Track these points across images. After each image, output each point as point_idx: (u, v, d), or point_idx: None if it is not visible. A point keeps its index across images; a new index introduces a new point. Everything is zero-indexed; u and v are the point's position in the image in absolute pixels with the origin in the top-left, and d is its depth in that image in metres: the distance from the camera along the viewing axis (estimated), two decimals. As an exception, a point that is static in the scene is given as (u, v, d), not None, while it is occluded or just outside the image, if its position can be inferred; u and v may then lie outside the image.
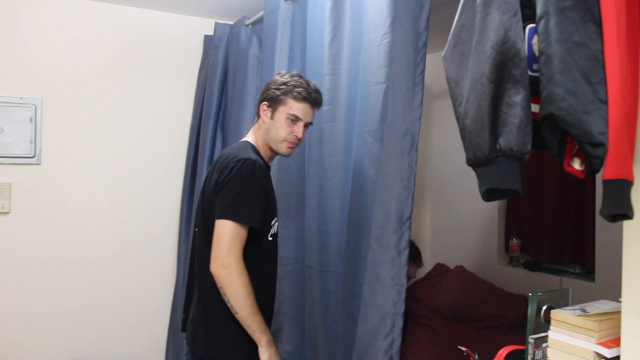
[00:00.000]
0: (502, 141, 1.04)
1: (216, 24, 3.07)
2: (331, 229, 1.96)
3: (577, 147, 0.99)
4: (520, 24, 1.05)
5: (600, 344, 1.13)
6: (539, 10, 1.00)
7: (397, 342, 1.63)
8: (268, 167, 1.80)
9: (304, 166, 2.14)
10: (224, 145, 2.86)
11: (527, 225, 3.14)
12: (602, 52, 0.95)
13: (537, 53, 1.04)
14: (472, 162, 1.09)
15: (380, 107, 1.72)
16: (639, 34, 0.97)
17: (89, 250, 2.89)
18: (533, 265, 3.06)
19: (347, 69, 1.93)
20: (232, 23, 3.01)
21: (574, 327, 1.18)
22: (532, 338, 1.29)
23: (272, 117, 1.74)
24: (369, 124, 1.78)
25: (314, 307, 2.03)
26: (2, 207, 2.70)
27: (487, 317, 2.77)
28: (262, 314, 1.67)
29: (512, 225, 3.23)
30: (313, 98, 1.73)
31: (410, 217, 1.65)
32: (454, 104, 1.15)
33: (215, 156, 2.59)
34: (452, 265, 3.34)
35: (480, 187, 1.09)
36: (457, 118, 1.13)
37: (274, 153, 1.79)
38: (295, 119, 1.72)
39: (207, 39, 3.15)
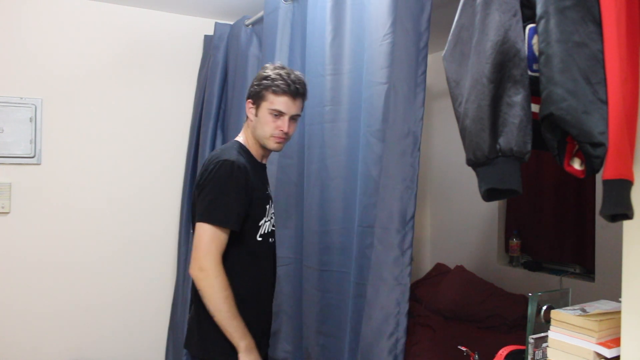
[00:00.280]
0: (502, 141, 1.04)
1: (216, 24, 3.07)
2: (333, 229, 1.96)
3: (577, 147, 0.99)
4: (520, 24, 1.05)
5: (600, 344, 1.13)
6: (539, 10, 1.00)
7: (402, 342, 1.63)
8: (262, 165, 1.78)
9: (304, 166, 2.14)
10: (224, 145, 2.86)
11: (527, 225, 3.14)
12: (602, 52, 0.95)
13: (537, 53, 1.04)
14: (472, 162, 1.09)
15: (382, 107, 1.72)
16: (639, 34, 0.97)
17: (89, 250, 2.90)
18: (533, 265, 3.06)
19: (349, 69, 1.93)
20: (232, 23, 3.01)
21: (574, 327, 1.18)
22: (532, 338, 1.29)
23: (256, 114, 1.70)
24: (371, 124, 1.78)
25: (312, 307, 2.03)
26: (2, 207, 2.70)
27: (487, 317, 2.77)
28: (257, 315, 1.68)
29: (512, 225, 3.23)
30: (293, 90, 1.67)
31: (413, 217, 1.66)
32: (454, 104, 1.15)
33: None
34: (452, 265, 3.34)
35: (480, 187, 1.09)
36: (457, 118, 1.13)
37: (266, 150, 1.76)
38: (278, 114, 1.68)
39: (207, 39, 3.15)
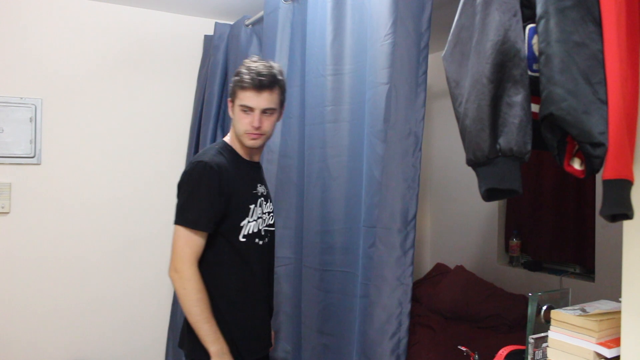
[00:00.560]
0: (502, 141, 1.04)
1: (216, 24, 3.07)
2: (335, 229, 1.96)
3: (577, 147, 0.99)
4: (520, 24, 1.05)
5: (600, 344, 1.13)
6: (539, 10, 1.00)
7: (404, 342, 1.64)
8: (251, 164, 1.76)
9: (304, 166, 2.14)
10: (224, 145, 2.86)
11: (527, 225, 3.14)
12: (602, 52, 0.95)
13: (537, 53, 1.04)
14: (472, 162, 1.09)
15: (383, 108, 1.72)
16: (639, 34, 0.97)
17: (89, 250, 2.89)
18: (533, 265, 3.06)
19: (350, 69, 1.93)
20: (232, 23, 3.01)
21: (574, 327, 1.18)
22: (532, 338, 1.29)
23: (233, 112, 1.69)
24: (373, 124, 1.78)
25: (313, 306, 2.03)
26: (2, 207, 2.70)
27: (487, 317, 2.76)
28: (249, 315, 1.66)
29: (512, 225, 3.22)
30: (257, 83, 1.61)
31: (415, 217, 1.66)
32: (454, 104, 1.15)
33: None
34: (452, 265, 3.33)
35: (480, 187, 1.09)
36: (457, 118, 1.13)
37: (252, 148, 1.72)
38: (247, 109, 1.64)
39: (207, 39, 3.15)
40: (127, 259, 2.99)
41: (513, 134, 1.03)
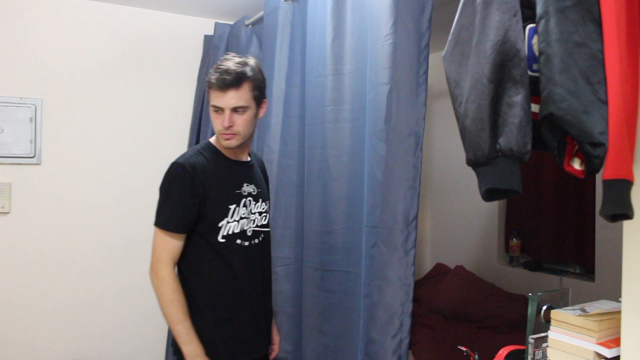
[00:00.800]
0: (502, 141, 1.04)
1: (216, 24, 3.07)
2: (336, 229, 1.95)
3: (577, 147, 0.99)
4: (520, 24, 1.05)
5: (600, 344, 1.13)
6: (539, 10, 1.00)
7: (406, 342, 1.64)
8: (238, 163, 1.73)
9: (304, 166, 2.14)
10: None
11: (527, 225, 3.14)
12: (602, 52, 0.95)
13: (537, 53, 1.04)
14: (472, 162, 1.09)
15: (384, 108, 1.72)
16: (639, 34, 0.97)
17: (89, 249, 2.89)
18: (533, 265, 3.06)
19: (350, 69, 1.93)
20: (232, 23, 3.01)
21: (574, 327, 1.18)
22: (532, 338, 1.29)
23: (210, 113, 1.67)
24: (374, 124, 1.78)
25: (314, 307, 2.03)
26: (2, 207, 2.70)
27: (487, 317, 2.77)
28: (236, 316, 1.64)
29: (512, 225, 3.23)
30: (220, 82, 1.57)
31: (416, 217, 1.66)
32: (454, 104, 1.15)
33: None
34: (452, 265, 3.34)
35: (480, 187, 1.09)
36: (457, 118, 1.13)
37: (235, 147, 1.69)
38: (218, 109, 1.61)
39: (207, 39, 3.15)
40: (127, 259, 2.99)
41: (513, 134, 1.03)
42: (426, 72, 1.67)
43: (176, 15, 3.12)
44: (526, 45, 1.06)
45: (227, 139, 1.64)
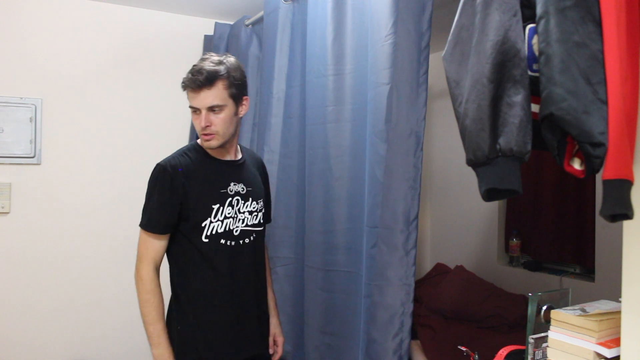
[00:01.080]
0: (502, 141, 1.04)
1: (216, 24, 3.07)
2: (338, 229, 1.95)
3: (577, 147, 0.99)
4: (520, 24, 1.05)
5: (600, 344, 1.13)
6: (539, 10, 1.00)
7: (406, 342, 1.64)
8: (226, 163, 1.72)
9: (305, 166, 2.14)
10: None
11: (527, 225, 3.14)
12: (602, 52, 0.95)
13: (537, 53, 1.04)
14: (472, 162, 1.09)
15: (384, 108, 1.72)
16: (639, 34, 0.97)
17: (89, 249, 2.89)
18: (533, 265, 3.06)
19: (351, 69, 1.93)
20: (232, 23, 3.01)
21: (574, 327, 1.18)
22: (532, 338, 1.29)
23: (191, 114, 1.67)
24: (374, 124, 1.78)
25: (316, 306, 2.03)
26: (2, 207, 2.70)
27: (487, 317, 2.76)
28: (223, 315, 1.64)
29: (512, 225, 3.22)
30: (194, 82, 1.58)
31: (417, 217, 1.67)
32: (454, 104, 1.15)
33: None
34: (452, 265, 3.34)
35: (480, 187, 1.09)
36: (457, 118, 1.13)
37: (222, 147, 1.70)
38: (195, 110, 1.63)
39: (207, 39, 3.15)
40: (127, 259, 2.97)
41: (513, 134, 1.03)
42: (426, 72, 1.67)
43: (176, 15, 3.12)
44: (526, 45, 1.06)
45: (207, 140, 1.64)
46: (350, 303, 1.89)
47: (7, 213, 2.72)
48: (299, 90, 2.23)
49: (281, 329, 1.93)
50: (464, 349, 2.03)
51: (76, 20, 2.88)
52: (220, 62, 1.62)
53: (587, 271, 2.81)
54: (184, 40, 3.15)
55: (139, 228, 1.67)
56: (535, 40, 1.06)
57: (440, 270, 3.38)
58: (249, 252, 1.72)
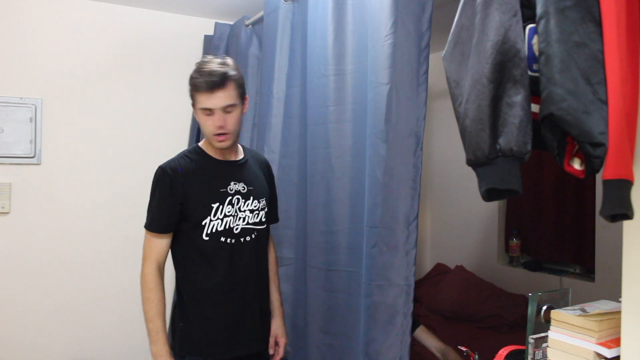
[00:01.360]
0: (502, 141, 1.04)
1: (216, 24, 3.07)
2: (339, 229, 1.95)
3: (577, 147, 0.99)
4: (520, 24, 1.05)
5: (600, 344, 1.13)
6: (539, 10, 1.00)
7: (407, 341, 1.64)
8: (227, 163, 1.75)
9: (306, 166, 2.14)
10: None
11: (527, 225, 3.14)
12: (602, 52, 0.95)
13: (537, 53, 1.04)
14: (472, 162, 1.09)
15: (384, 108, 1.72)
16: (639, 34, 0.97)
17: (89, 249, 2.89)
18: (533, 265, 3.06)
19: (352, 69, 1.93)
20: (232, 23, 3.01)
21: (574, 327, 1.18)
22: (532, 338, 1.29)
23: (197, 117, 1.69)
24: (374, 124, 1.78)
25: (318, 306, 2.03)
26: (2, 207, 2.70)
27: (487, 317, 2.77)
28: (222, 312, 1.68)
29: (512, 225, 3.23)
30: (209, 84, 1.60)
31: (417, 217, 1.66)
32: (454, 104, 1.15)
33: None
34: (452, 265, 3.34)
35: (480, 187, 1.09)
36: (457, 118, 1.13)
37: (224, 148, 1.73)
38: (208, 111, 1.64)
39: (207, 39, 3.15)
40: (127, 259, 2.99)
41: (513, 134, 1.03)
42: (426, 72, 1.67)
43: (176, 15, 3.12)
44: (526, 45, 1.06)
45: (222, 140, 1.67)
46: (351, 303, 1.89)
47: (7, 213, 2.72)
48: (299, 90, 2.23)
49: (284, 329, 1.94)
50: (464, 349, 2.03)
51: (76, 20, 2.88)
52: (225, 64, 1.66)
53: (587, 271, 2.81)
54: (184, 40, 3.15)
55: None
56: (535, 40, 1.06)
57: (440, 270, 3.38)
58: (251, 250, 1.75)
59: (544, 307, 1.32)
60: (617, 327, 1.09)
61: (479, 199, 1.15)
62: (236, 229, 1.71)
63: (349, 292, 1.91)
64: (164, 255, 1.68)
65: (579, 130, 0.94)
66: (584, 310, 1.21)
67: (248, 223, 1.74)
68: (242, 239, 1.72)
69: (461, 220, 3.48)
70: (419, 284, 3.29)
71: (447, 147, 3.56)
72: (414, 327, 2.31)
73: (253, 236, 1.75)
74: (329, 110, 1.98)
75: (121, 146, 2.98)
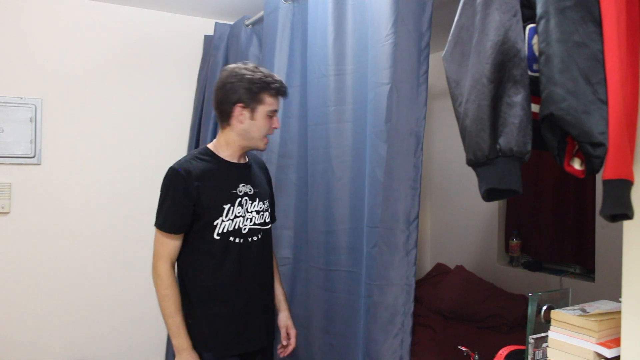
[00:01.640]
0: (502, 141, 1.04)
1: (216, 24, 3.07)
2: (340, 229, 1.95)
3: (577, 147, 0.99)
4: (520, 24, 1.05)
5: (600, 344, 1.13)
6: (539, 10, 1.00)
7: (407, 341, 1.64)
8: (237, 165, 1.78)
9: (305, 166, 2.14)
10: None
11: (527, 225, 3.14)
12: (602, 52, 0.95)
13: (537, 53, 1.04)
14: (472, 162, 1.09)
15: (384, 108, 1.72)
16: (639, 34, 0.97)
17: (89, 249, 2.90)
18: (533, 265, 3.06)
19: (352, 69, 1.93)
20: (232, 23, 3.01)
21: (574, 327, 1.18)
22: (532, 338, 1.29)
23: (252, 118, 1.71)
24: (375, 124, 1.78)
25: (319, 306, 2.03)
26: (2, 207, 2.70)
27: (487, 317, 2.77)
28: (217, 312, 1.71)
29: (512, 225, 3.23)
30: (283, 91, 1.75)
31: (417, 217, 1.67)
32: (454, 104, 1.15)
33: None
34: (452, 265, 3.34)
35: (480, 187, 1.09)
36: (457, 118, 1.13)
37: (245, 150, 1.79)
38: (272, 114, 1.74)
39: (207, 39, 3.15)
40: (127, 259, 2.99)
41: (513, 134, 1.03)
42: (426, 72, 1.67)
43: (176, 15, 3.13)
44: (526, 45, 1.06)
45: (267, 142, 1.79)
46: (352, 303, 1.89)
47: (7, 213, 2.72)
48: (299, 90, 2.23)
49: (292, 321, 1.96)
50: (464, 349, 2.03)
51: (76, 20, 2.88)
52: None
53: (587, 271, 2.81)
54: (184, 40, 3.15)
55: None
56: (535, 40, 1.06)
57: (440, 270, 3.38)
58: (257, 249, 1.79)
59: (544, 307, 1.32)
60: (617, 327, 1.09)
61: (479, 199, 1.15)
62: (244, 229, 1.75)
63: (349, 292, 1.91)
64: (177, 253, 1.71)
65: (579, 130, 0.94)
66: (584, 310, 1.21)
67: (255, 224, 1.79)
68: (249, 239, 1.77)
69: (461, 220, 3.48)
70: (419, 284, 3.28)
71: (447, 147, 3.56)
72: None
73: (259, 236, 1.80)
74: (329, 110, 1.98)
75: (121, 146, 2.98)
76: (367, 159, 1.83)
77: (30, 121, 2.76)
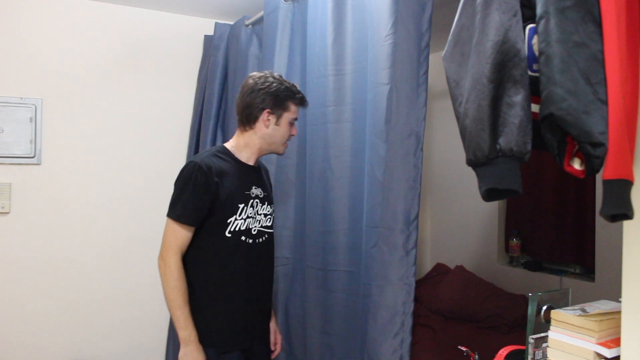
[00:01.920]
0: (502, 141, 1.04)
1: (216, 24, 3.07)
2: (339, 229, 1.96)
3: (577, 147, 0.99)
4: (520, 24, 1.05)
5: (600, 344, 1.13)
6: (539, 10, 1.00)
7: (407, 341, 1.64)
8: (252, 168, 1.83)
9: (304, 166, 2.14)
10: (224, 145, 2.86)
11: (527, 225, 3.14)
12: (602, 52, 0.95)
13: (537, 53, 1.04)
14: (472, 162, 1.09)
15: (384, 108, 1.72)
16: (639, 34, 0.97)
17: (89, 250, 2.90)
18: (533, 265, 3.06)
19: (351, 69, 1.93)
20: (232, 23, 3.01)
21: (574, 327, 1.18)
22: (532, 338, 1.29)
23: (277, 124, 1.79)
24: (374, 124, 1.78)
25: (317, 306, 2.03)
26: (2, 207, 2.70)
27: (487, 317, 2.76)
28: (223, 308, 1.73)
29: (512, 225, 3.22)
30: (305, 101, 1.86)
31: (417, 217, 1.67)
32: (454, 104, 1.15)
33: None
34: (452, 265, 3.34)
35: (480, 187, 1.09)
36: (457, 118, 1.13)
37: (263, 154, 1.86)
38: (293, 122, 1.83)
39: (207, 39, 3.15)
40: (127, 259, 2.99)
41: (513, 134, 1.03)
42: (426, 72, 1.67)
43: (176, 15, 3.13)
44: (526, 45, 1.06)
45: (286, 147, 1.87)
46: (351, 303, 1.89)
47: (7, 213, 2.72)
48: (299, 90, 2.24)
49: (279, 327, 2.02)
50: (464, 349, 2.03)
51: (76, 20, 2.88)
52: None
53: (587, 271, 2.81)
54: (184, 40, 3.15)
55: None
56: (535, 40, 1.06)
57: (440, 270, 3.38)
58: (263, 251, 1.83)
59: (544, 307, 1.32)
60: (617, 327, 1.09)
61: (479, 199, 1.15)
62: (254, 230, 1.79)
63: (348, 292, 1.91)
64: (186, 246, 1.72)
65: (579, 130, 0.94)
66: (584, 310, 1.21)
67: (262, 226, 1.83)
68: (257, 240, 1.81)
69: (461, 220, 3.48)
70: (419, 284, 3.28)
71: (447, 147, 3.56)
72: None
73: (264, 238, 1.84)
74: (328, 110, 1.99)
75: (121, 146, 2.98)
76: (367, 159, 1.83)
77: (30, 121, 2.76)
